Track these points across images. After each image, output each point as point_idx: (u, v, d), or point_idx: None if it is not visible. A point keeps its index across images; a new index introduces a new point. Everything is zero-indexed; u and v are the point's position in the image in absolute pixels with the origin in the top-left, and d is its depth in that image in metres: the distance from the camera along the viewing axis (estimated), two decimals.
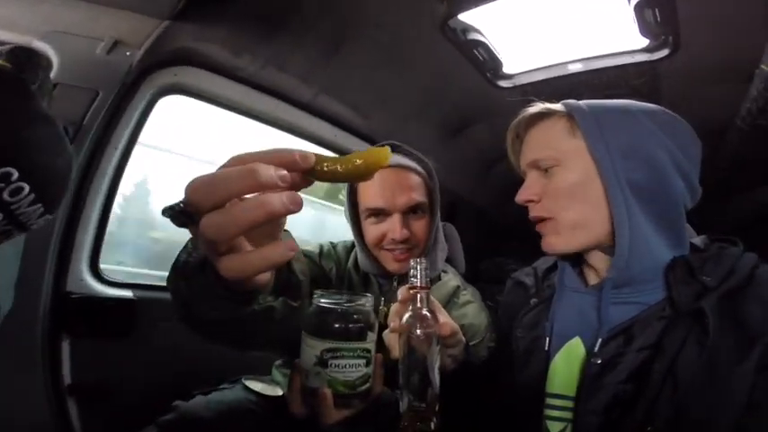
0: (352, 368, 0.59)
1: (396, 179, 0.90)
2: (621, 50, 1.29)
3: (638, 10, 1.04)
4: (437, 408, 0.56)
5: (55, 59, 0.97)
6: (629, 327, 0.61)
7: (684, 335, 0.55)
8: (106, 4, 0.97)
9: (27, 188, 0.49)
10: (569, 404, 0.62)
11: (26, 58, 0.74)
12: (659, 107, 0.66)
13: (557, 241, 0.66)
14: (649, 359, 0.57)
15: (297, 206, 0.35)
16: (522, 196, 0.68)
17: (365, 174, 0.40)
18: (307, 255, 0.97)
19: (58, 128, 0.59)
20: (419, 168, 0.95)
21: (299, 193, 0.36)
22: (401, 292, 0.62)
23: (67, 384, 1.07)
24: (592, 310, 0.65)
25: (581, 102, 0.66)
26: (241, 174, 0.34)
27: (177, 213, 0.37)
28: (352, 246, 1.03)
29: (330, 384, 0.58)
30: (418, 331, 0.57)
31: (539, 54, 1.39)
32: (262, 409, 0.98)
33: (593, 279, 0.69)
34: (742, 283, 0.57)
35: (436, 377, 0.57)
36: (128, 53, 1.05)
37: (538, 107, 0.68)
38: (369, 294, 0.63)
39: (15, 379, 1.00)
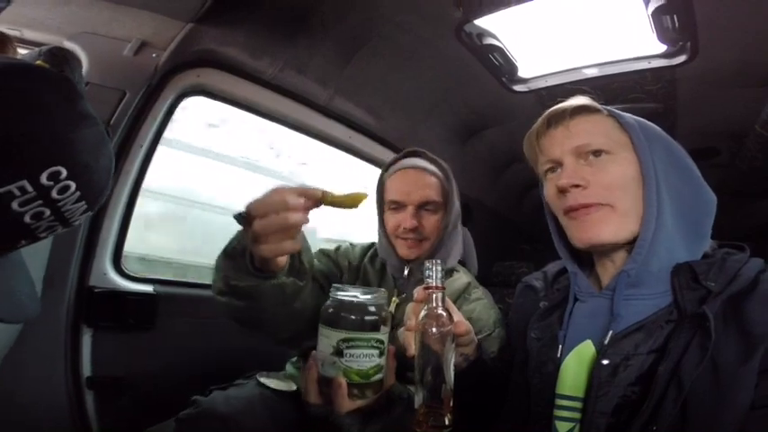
0: (366, 358, 0.62)
1: (414, 178, 1.03)
2: (638, 56, 1.28)
3: (656, 16, 1.04)
4: (451, 404, 0.58)
5: (84, 60, 1.01)
6: (638, 329, 0.62)
7: (688, 338, 0.56)
8: (132, 6, 1.00)
9: (73, 186, 0.51)
10: (578, 405, 0.63)
11: (63, 59, 0.78)
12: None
13: (606, 230, 0.64)
14: (657, 362, 0.58)
15: (306, 221, 0.61)
16: (569, 179, 0.64)
17: (350, 206, 0.62)
18: (325, 253, 1.11)
19: (102, 128, 0.62)
20: (437, 171, 1.06)
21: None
22: (417, 292, 0.63)
23: (87, 377, 1.09)
24: (604, 311, 0.65)
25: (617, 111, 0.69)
26: (277, 200, 0.59)
27: (241, 218, 0.62)
28: (370, 246, 1.15)
29: (345, 374, 0.61)
30: (434, 329, 0.58)
31: (554, 59, 1.39)
32: (278, 404, 0.99)
33: (606, 280, 0.69)
34: (746, 287, 0.57)
35: (451, 374, 0.58)
36: (154, 54, 1.09)
37: (584, 99, 0.69)
38: (383, 289, 0.67)
39: (38, 370, 1.03)
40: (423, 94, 1.55)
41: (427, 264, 0.61)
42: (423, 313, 0.60)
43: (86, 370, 1.10)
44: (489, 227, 2.22)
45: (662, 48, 1.20)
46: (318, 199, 0.61)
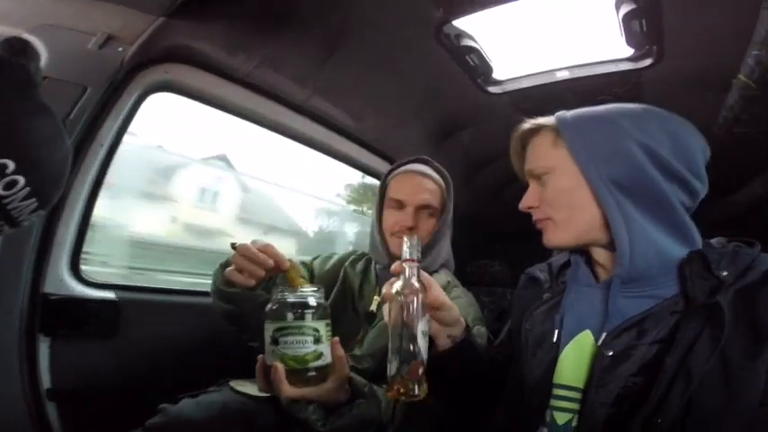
0: (299, 344, 0.70)
1: (417, 181, 1.12)
2: (607, 59, 1.33)
3: (626, 20, 1.08)
4: (420, 373, 0.62)
5: (43, 53, 0.93)
6: (641, 320, 0.63)
7: (698, 329, 0.56)
8: None
9: (22, 181, 0.48)
10: (577, 395, 0.64)
11: (20, 50, 0.71)
12: (649, 107, 0.71)
13: (552, 237, 0.73)
14: (661, 352, 0.58)
15: (264, 273, 0.82)
16: (523, 204, 0.75)
17: (294, 286, 0.78)
18: (303, 263, 1.22)
19: (58, 121, 0.57)
20: (439, 180, 1.16)
21: None
22: (395, 265, 0.68)
23: (47, 388, 1.03)
24: (601, 304, 0.68)
25: (569, 112, 0.73)
26: (258, 254, 0.80)
27: (233, 247, 0.83)
28: (351, 253, 1.25)
29: (282, 359, 0.70)
30: (406, 299, 0.63)
31: (528, 61, 1.42)
32: (251, 409, 0.99)
33: (602, 275, 0.73)
34: (758, 280, 0.58)
35: (423, 344, 0.62)
36: (120, 49, 1.02)
37: (529, 123, 0.76)
38: (317, 285, 0.77)
39: None
40: (401, 95, 1.54)
41: (405, 239, 0.67)
42: (398, 284, 0.65)
43: (46, 381, 1.03)
44: (462, 227, 2.25)
45: (629, 51, 1.25)
46: (284, 269, 0.81)
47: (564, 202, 0.70)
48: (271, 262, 0.78)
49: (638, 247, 0.64)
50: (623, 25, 1.12)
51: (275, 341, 0.70)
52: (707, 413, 0.52)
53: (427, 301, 0.65)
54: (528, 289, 0.86)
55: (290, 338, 0.70)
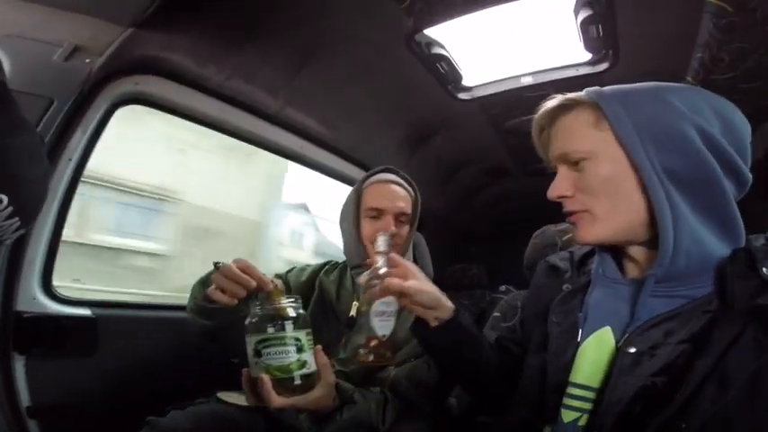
0: (282, 354, 0.72)
1: (393, 190, 1.15)
2: (567, 64, 1.41)
3: (584, 26, 1.15)
4: (373, 345, 0.76)
5: (6, 64, 0.90)
6: (670, 318, 0.58)
7: (737, 332, 0.52)
8: (67, 9, 0.92)
9: (5, 200, 0.46)
10: (590, 395, 0.61)
11: None
12: (691, 86, 0.64)
13: (588, 233, 0.64)
14: (689, 354, 0.54)
15: (245, 293, 0.80)
16: (554, 192, 0.66)
17: (276, 306, 0.76)
18: (278, 275, 1.23)
19: (37, 136, 0.56)
20: (409, 188, 1.19)
21: None
22: (369, 259, 0.79)
23: (27, 406, 1.01)
24: (628, 302, 0.63)
25: (605, 88, 0.64)
26: (241, 274, 0.79)
27: (216, 266, 0.81)
28: (324, 263, 1.28)
29: (267, 370, 0.71)
30: (370, 284, 0.74)
31: (495, 67, 1.48)
32: (241, 419, 0.98)
33: (632, 271, 0.67)
34: None
35: (378, 322, 0.74)
36: (87, 60, 1.00)
37: (558, 98, 0.66)
38: (295, 296, 0.80)
39: None
40: (374, 103, 1.57)
41: (379, 234, 0.78)
42: (368, 272, 0.76)
43: (25, 399, 1.01)
44: (438, 232, 2.29)
45: (588, 56, 1.33)
46: (266, 290, 0.80)
47: (607, 191, 0.62)
48: (253, 283, 0.79)
49: (681, 246, 0.57)
50: (581, 31, 1.19)
51: (258, 353, 0.72)
52: (730, 421, 0.49)
53: (393, 288, 0.72)
54: (548, 278, 0.79)
55: (272, 349, 0.71)
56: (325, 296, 1.16)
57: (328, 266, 1.25)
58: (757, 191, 0.65)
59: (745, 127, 0.62)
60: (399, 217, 1.13)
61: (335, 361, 1.02)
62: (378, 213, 1.12)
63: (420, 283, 0.74)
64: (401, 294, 0.73)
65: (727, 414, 0.49)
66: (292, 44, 1.24)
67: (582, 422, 0.60)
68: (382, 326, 0.75)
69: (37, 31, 0.93)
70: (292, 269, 1.27)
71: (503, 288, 1.78)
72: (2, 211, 0.47)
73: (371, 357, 0.76)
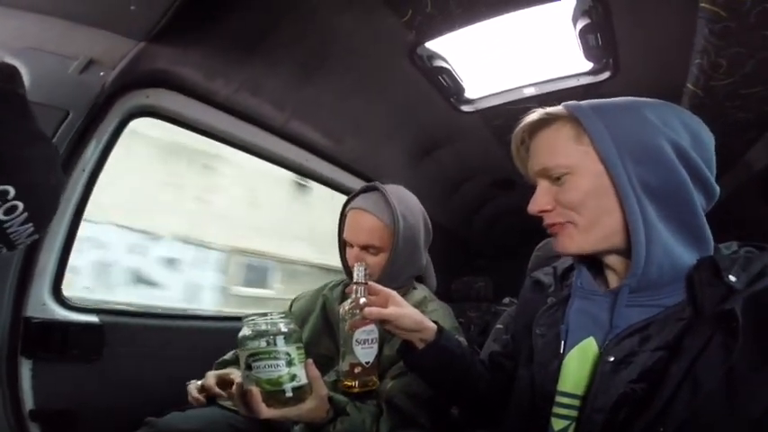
0: (271, 368, 0.74)
1: (358, 221, 1.08)
2: (569, 74, 1.43)
3: (582, 35, 1.17)
4: (357, 372, 0.80)
5: (25, 76, 0.94)
6: (645, 326, 0.60)
7: (706, 337, 0.54)
8: (82, 23, 0.97)
9: (21, 207, 0.49)
10: (577, 403, 0.62)
11: (9, 76, 0.73)
12: (662, 101, 0.65)
13: (570, 243, 0.66)
14: (665, 360, 0.56)
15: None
16: (534, 207, 0.67)
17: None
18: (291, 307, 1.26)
19: (54, 147, 0.59)
20: (380, 215, 1.07)
21: None
22: (348, 289, 0.82)
23: (30, 410, 1.02)
24: (607, 312, 0.65)
25: (582, 103, 0.65)
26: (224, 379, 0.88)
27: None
28: (329, 282, 1.27)
29: (257, 383, 0.74)
30: (351, 313, 0.78)
31: (497, 79, 1.51)
32: (239, 423, 0.99)
33: (613, 281, 0.68)
34: None
35: (359, 349, 0.79)
36: (101, 73, 1.04)
37: (538, 113, 0.67)
38: (284, 312, 0.84)
39: None
40: (378, 116, 1.60)
41: (356, 265, 0.81)
42: (348, 302, 0.79)
43: (29, 402, 1.02)
44: (444, 245, 2.29)
45: (589, 65, 1.35)
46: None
47: (587, 205, 0.63)
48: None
49: (653, 257, 0.59)
50: (580, 40, 1.21)
51: (249, 367, 0.74)
52: (710, 423, 0.50)
53: (372, 316, 0.76)
54: (533, 293, 0.81)
55: (262, 363, 0.74)
56: (327, 311, 1.16)
57: (334, 282, 1.25)
58: (766, 196, 0.65)
59: (710, 140, 0.64)
60: (367, 248, 1.07)
61: (335, 371, 1.02)
62: (348, 243, 1.10)
63: (400, 309, 0.77)
64: (383, 321, 0.76)
65: (705, 416, 0.51)
66: (297, 58, 1.28)
67: (571, 430, 0.62)
68: (365, 353, 0.78)
69: (53, 44, 0.98)
70: (295, 299, 1.29)
71: (506, 300, 1.77)
72: (17, 217, 0.50)
73: (356, 384, 0.79)
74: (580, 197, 0.63)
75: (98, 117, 1.09)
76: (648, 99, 0.64)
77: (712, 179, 0.62)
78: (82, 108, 1.04)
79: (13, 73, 0.76)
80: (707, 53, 1.05)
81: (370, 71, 1.38)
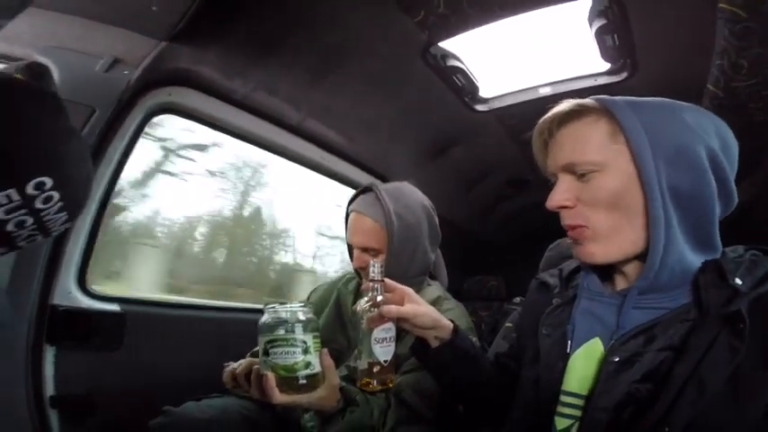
0: (287, 354, 0.76)
1: (356, 224, 1.09)
2: (586, 74, 1.42)
3: (599, 35, 1.16)
4: (376, 370, 0.75)
5: (54, 74, 0.99)
6: (650, 327, 0.60)
7: (712, 339, 0.54)
8: (106, 22, 1.01)
9: (57, 196, 0.53)
10: (581, 402, 0.62)
11: (40, 74, 0.77)
12: (693, 105, 0.62)
13: (596, 250, 0.63)
14: (670, 360, 0.56)
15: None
16: (554, 203, 0.63)
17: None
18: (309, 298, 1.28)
19: (85, 143, 0.64)
20: (376, 216, 1.07)
21: None
22: (363, 286, 0.81)
23: (50, 396, 1.05)
24: (613, 313, 0.64)
25: (617, 98, 0.61)
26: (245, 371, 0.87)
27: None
28: (344, 275, 1.28)
29: (273, 369, 0.76)
30: (369, 311, 0.76)
31: (512, 79, 1.50)
32: (252, 412, 1.02)
33: (621, 284, 0.67)
34: None
35: (378, 348, 0.76)
36: (125, 71, 1.09)
37: (569, 103, 0.63)
38: (302, 302, 0.84)
39: None
40: (392, 115, 1.61)
41: (372, 262, 0.79)
42: (364, 300, 0.77)
43: (50, 389, 1.05)
44: (458, 243, 2.29)
45: (606, 65, 1.33)
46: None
47: (610, 206, 0.60)
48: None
49: (668, 263, 0.58)
50: (597, 40, 1.20)
51: (266, 353, 0.76)
52: (714, 423, 0.50)
53: (390, 314, 0.74)
54: (539, 294, 0.81)
55: (279, 350, 0.76)
56: (341, 305, 1.18)
57: (349, 276, 1.26)
58: None
59: (736, 146, 0.62)
60: (366, 250, 1.07)
61: (345, 367, 1.04)
62: (351, 246, 1.12)
63: (417, 306, 0.76)
64: (400, 319, 0.75)
65: (710, 417, 0.50)
66: (311, 59, 1.30)
67: (574, 430, 0.61)
68: (384, 351, 0.77)
69: (80, 43, 1.03)
70: (316, 289, 1.31)
71: (517, 300, 1.76)
72: (54, 205, 0.55)
73: (375, 383, 0.78)
74: (606, 197, 0.60)
75: (122, 114, 1.14)
76: (685, 104, 0.62)
77: (734, 187, 0.61)
78: (107, 105, 1.09)
79: (43, 72, 0.81)
80: (727, 54, 1.03)
81: (383, 71, 1.39)
